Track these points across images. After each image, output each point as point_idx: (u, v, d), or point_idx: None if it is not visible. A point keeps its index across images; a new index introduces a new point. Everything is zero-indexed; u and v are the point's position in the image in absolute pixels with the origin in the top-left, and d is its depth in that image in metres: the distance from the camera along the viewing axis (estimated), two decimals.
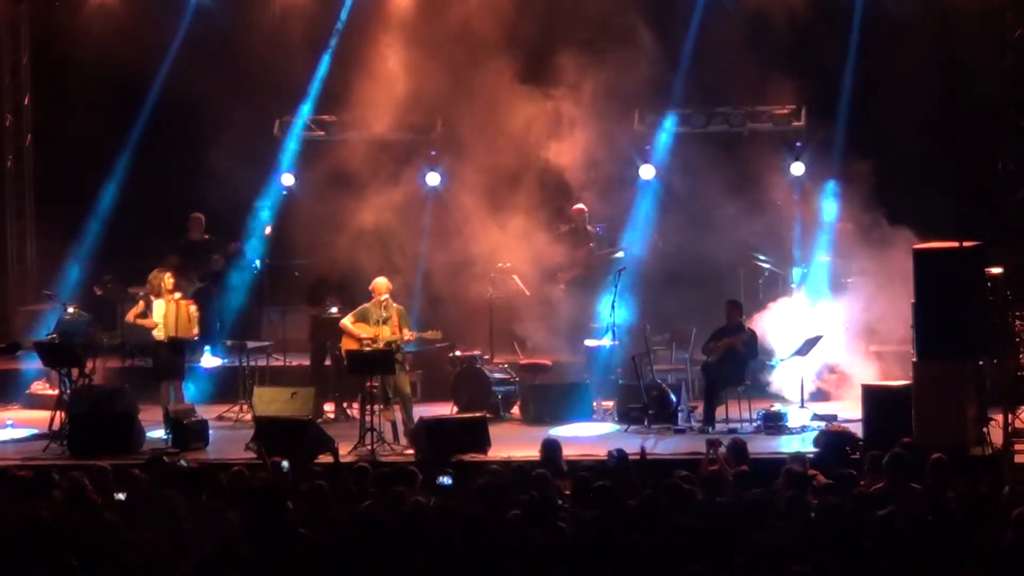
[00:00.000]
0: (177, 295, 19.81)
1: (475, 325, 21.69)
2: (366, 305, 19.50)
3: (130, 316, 20.01)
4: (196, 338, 20.17)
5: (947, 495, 13.05)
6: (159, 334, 19.62)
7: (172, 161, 23.06)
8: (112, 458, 16.62)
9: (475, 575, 11.48)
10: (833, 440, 17.20)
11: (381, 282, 19.52)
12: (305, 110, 23.97)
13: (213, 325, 21.95)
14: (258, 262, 23.52)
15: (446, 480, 15.06)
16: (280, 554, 11.80)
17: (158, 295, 19.69)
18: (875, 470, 14.11)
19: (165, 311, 19.61)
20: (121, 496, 13.97)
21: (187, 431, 18.73)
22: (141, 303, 19.87)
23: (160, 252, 22.05)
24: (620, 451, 15.46)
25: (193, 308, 19.88)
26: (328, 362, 20.95)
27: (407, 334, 19.37)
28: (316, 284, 21.54)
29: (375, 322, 19.32)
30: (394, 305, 19.43)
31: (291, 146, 24.12)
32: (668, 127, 23.39)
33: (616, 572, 11.40)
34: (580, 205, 22.57)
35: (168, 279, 19.75)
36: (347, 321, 19.53)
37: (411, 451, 18.33)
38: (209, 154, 22.22)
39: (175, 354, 19.78)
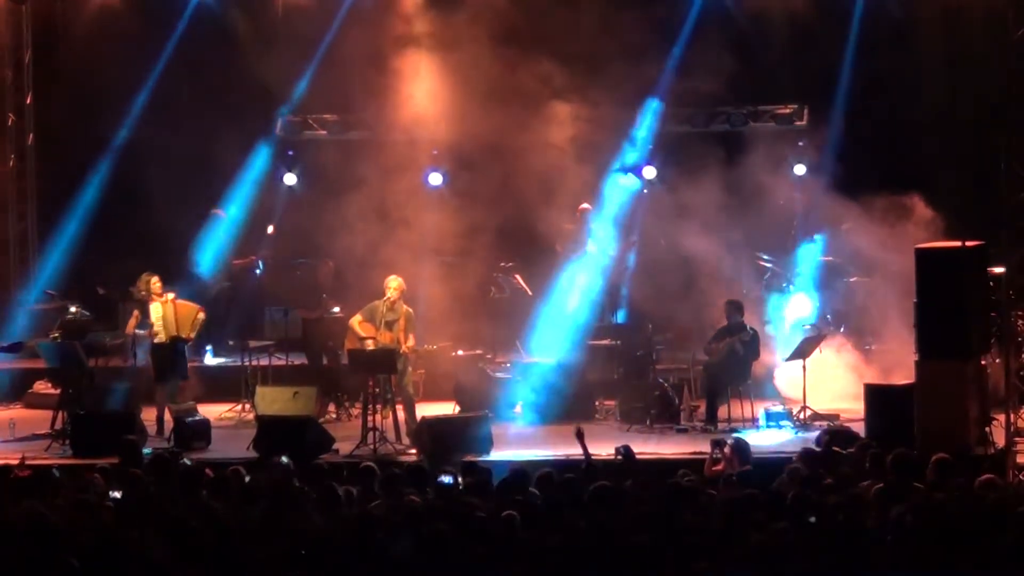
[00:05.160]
0: (169, 296, 19.76)
1: (478, 324, 21.65)
2: (375, 303, 19.24)
3: (129, 328, 19.99)
4: (190, 341, 20.08)
5: (949, 495, 13.04)
6: (160, 337, 19.62)
7: (173, 160, 23.04)
8: (114, 458, 16.62)
9: (477, 574, 11.49)
10: (835, 439, 17.17)
11: (392, 281, 19.24)
12: (306, 109, 23.99)
13: (227, 324, 21.98)
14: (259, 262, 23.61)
15: (447, 479, 15.03)
16: (283, 553, 11.80)
17: (149, 299, 19.67)
18: (877, 470, 14.10)
19: (162, 313, 19.61)
20: (118, 494, 13.96)
21: (189, 430, 18.73)
22: (136, 313, 19.85)
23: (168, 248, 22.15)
24: (627, 447, 15.40)
25: (201, 315, 19.83)
26: (326, 361, 20.93)
27: (409, 343, 19.17)
28: (310, 287, 21.54)
29: (379, 323, 19.17)
30: (403, 308, 19.18)
31: (293, 145, 24.16)
32: (669, 126, 23.38)
33: (620, 571, 11.39)
34: (585, 205, 22.58)
35: (155, 282, 19.72)
36: (355, 320, 19.40)
37: (413, 451, 18.34)
38: (210, 153, 22.20)
39: (176, 354, 19.76)
